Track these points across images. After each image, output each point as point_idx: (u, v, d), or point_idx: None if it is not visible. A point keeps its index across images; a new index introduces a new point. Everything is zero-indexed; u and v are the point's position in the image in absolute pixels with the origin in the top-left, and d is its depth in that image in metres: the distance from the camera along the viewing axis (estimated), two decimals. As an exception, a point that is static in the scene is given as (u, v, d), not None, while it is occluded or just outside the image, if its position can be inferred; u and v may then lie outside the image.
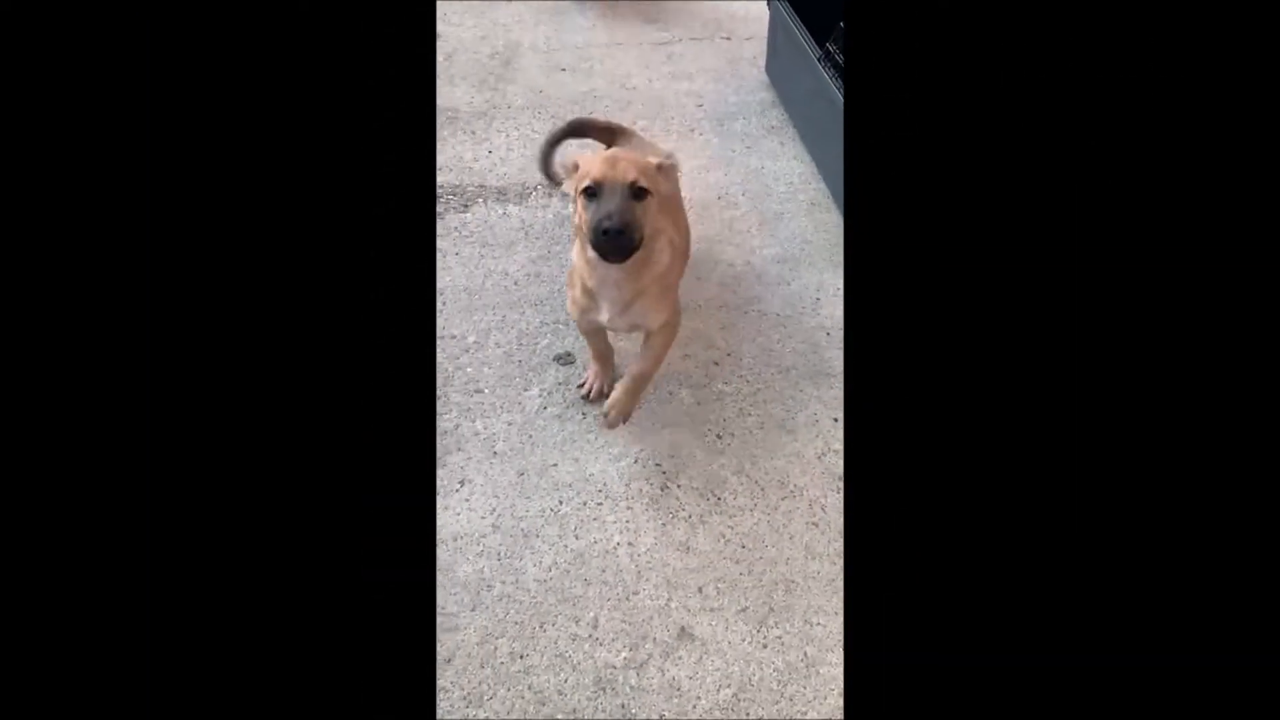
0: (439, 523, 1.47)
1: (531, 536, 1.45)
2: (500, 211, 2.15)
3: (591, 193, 1.28)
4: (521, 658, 1.30)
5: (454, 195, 2.18)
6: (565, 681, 1.27)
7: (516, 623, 1.33)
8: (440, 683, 1.27)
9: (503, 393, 1.70)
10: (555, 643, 1.31)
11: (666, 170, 1.37)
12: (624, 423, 1.60)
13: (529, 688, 1.27)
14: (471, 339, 1.81)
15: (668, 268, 1.45)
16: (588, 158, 1.34)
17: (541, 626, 1.33)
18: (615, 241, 1.24)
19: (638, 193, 1.28)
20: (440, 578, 1.39)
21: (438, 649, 1.30)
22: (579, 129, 1.79)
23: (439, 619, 1.33)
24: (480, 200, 2.18)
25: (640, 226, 1.28)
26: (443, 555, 1.42)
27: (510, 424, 1.64)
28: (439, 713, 1.23)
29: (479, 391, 1.70)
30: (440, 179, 2.22)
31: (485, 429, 1.62)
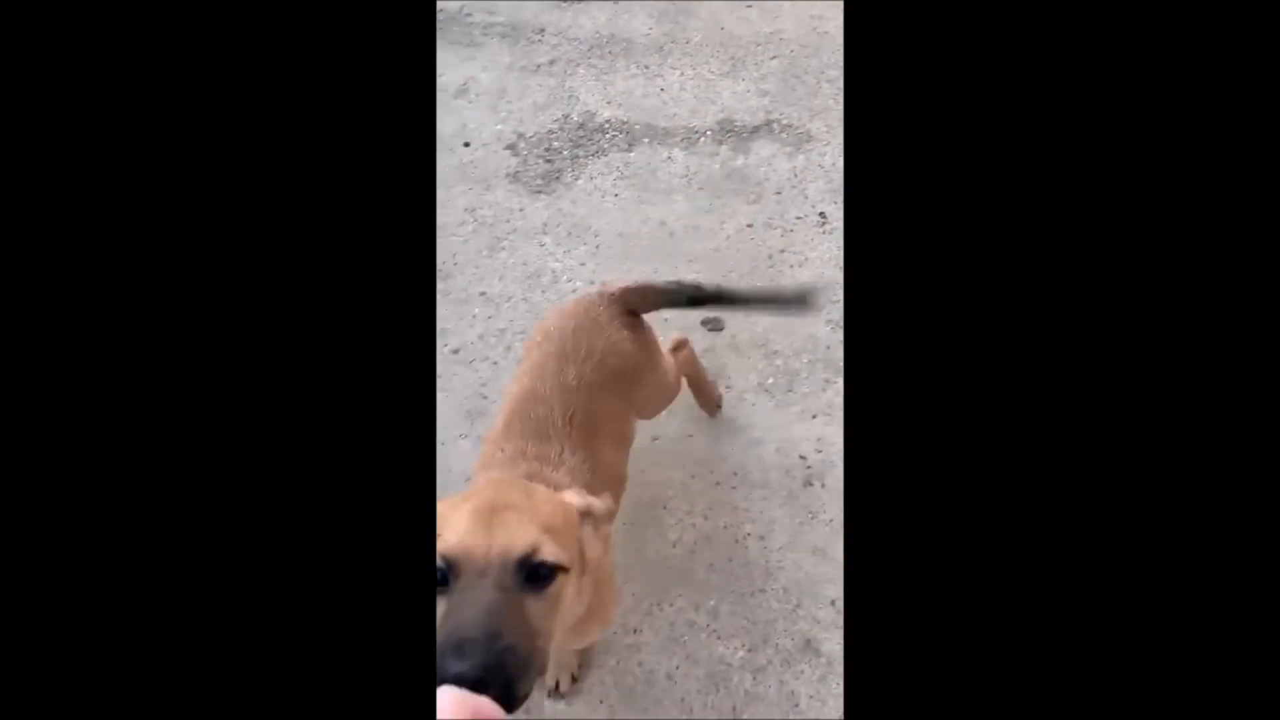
0: (566, 473, 1.43)
1: (658, 507, 1.38)
2: (665, 155, 2.02)
3: (442, 577, 0.69)
4: (635, 631, 1.25)
5: (620, 133, 2.08)
6: (677, 667, 1.21)
7: (633, 594, 1.28)
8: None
9: (646, 350, 1.62)
10: (671, 624, 1.25)
11: (597, 518, 0.81)
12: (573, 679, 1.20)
13: (638, 664, 1.22)
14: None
15: (594, 611, 0.88)
16: (448, 503, 0.74)
17: (659, 604, 1.27)
18: (479, 688, 0.56)
19: (535, 575, 0.69)
20: (562, 530, 1.36)
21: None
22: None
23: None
24: (645, 141, 2.06)
25: (532, 647, 0.67)
26: (567, 508, 1.39)
27: (650, 384, 1.56)
28: (546, 673, 1.21)
29: (622, 344, 1.63)
30: (608, 113, 2.12)
31: (624, 385, 1.55)
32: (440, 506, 0.73)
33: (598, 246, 1.82)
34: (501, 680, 0.61)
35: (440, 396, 1.56)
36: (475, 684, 0.58)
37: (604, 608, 0.92)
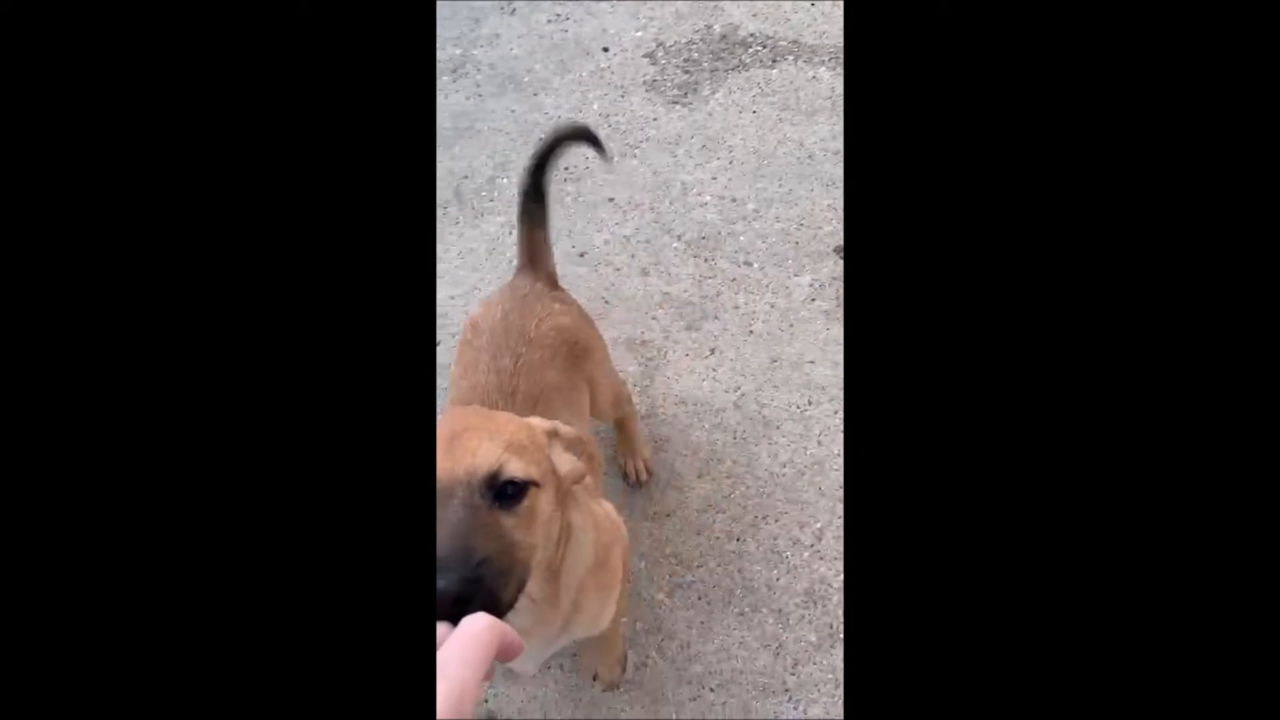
0: (680, 385, 1.43)
1: (772, 428, 1.37)
2: (810, 74, 1.92)
3: None
4: (737, 540, 1.26)
5: (763, 48, 1.98)
6: (777, 579, 1.22)
7: (740, 505, 1.29)
8: (658, 534, 1.28)
9: (772, 272, 1.58)
10: (775, 539, 1.26)
11: (568, 438, 0.77)
12: (622, 674, 1.18)
13: (739, 570, 1.24)
14: (751, 206, 1.69)
15: (599, 559, 0.87)
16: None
17: (764, 518, 1.28)
18: (461, 603, 0.60)
19: (504, 493, 0.67)
20: (673, 435, 1.38)
21: (663, 505, 1.31)
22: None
23: (666, 475, 1.33)
24: (790, 57, 1.96)
25: (511, 558, 0.66)
26: (681, 415, 1.40)
27: (773, 306, 1.52)
28: (645, 561, 1.25)
29: (747, 264, 1.59)
30: (753, 26, 2.02)
31: (746, 305, 1.53)
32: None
33: (730, 162, 1.77)
34: (483, 592, 0.60)
35: (564, 295, 1.59)
36: (457, 599, 0.58)
37: (611, 559, 0.91)
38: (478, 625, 0.42)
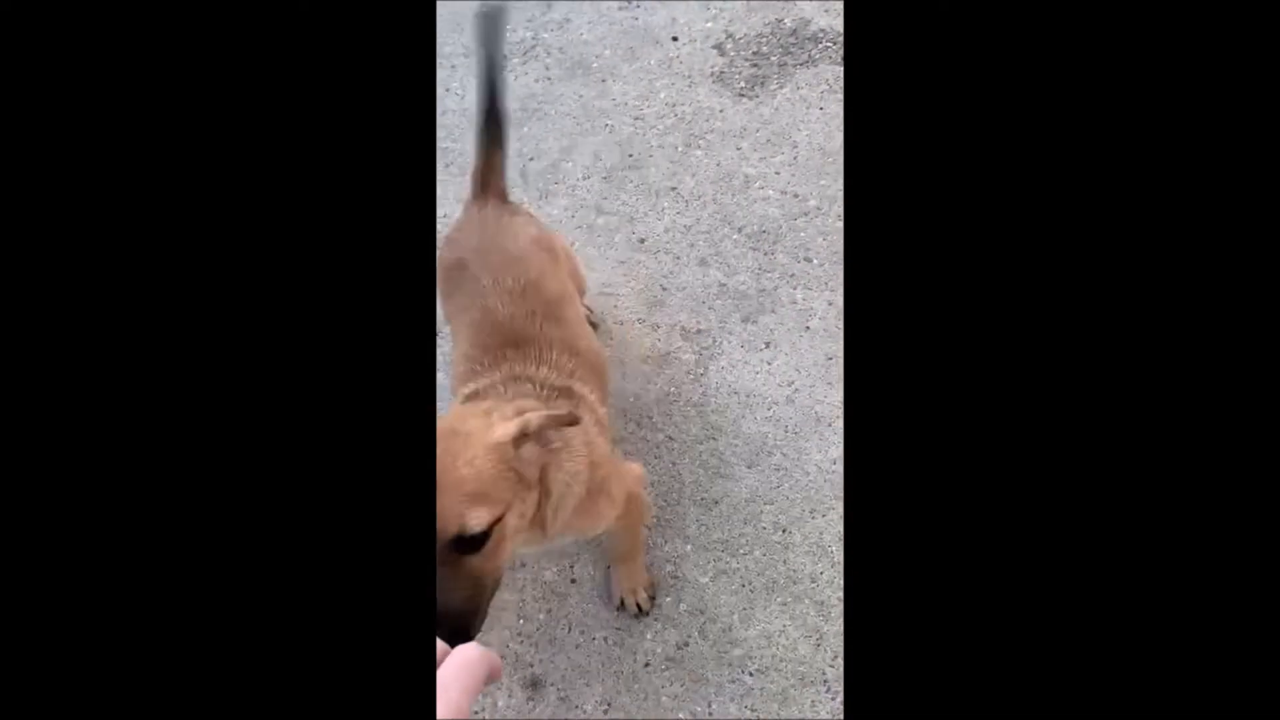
0: (733, 375, 1.45)
1: (824, 424, 1.38)
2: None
3: None
4: (784, 531, 1.28)
5: (834, 44, 1.97)
6: (821, 573, 1.24)
7: (788, 498, 1.31)
8: (705, 520, 1.31)
9: (831, 270, 1.58)
10: (821, 534, 1.27)
11: (537, 433, 0.79)
12: (649, 597, 1.23)
13: (784, 561, 1.26)
14: (813, 203, 1.69)
15: (592, 491, 0.94)
16: None
17: (812, 513, 1.29)
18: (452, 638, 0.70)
19: (470, 544, 0.74)
20: (724, 425, 1.40)
21: (711, 492, 1.33)
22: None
23: (716, 464, 1.35)
24: (860, 55, 1.94)
25: (479, 591, 0.76)
26: (733, 406, 1.42)
27: (831, 304, 1.53)
28: (691, 545, 1.28)
29: (807, 260, 1.60)
30: (825, 22, 2.01)
31: (803, 300, 1.54)
32: None
33: (795, 158, 1.77)
34: (458, 630, 0.75)
35: (623, 283, 1.62)
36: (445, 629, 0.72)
37: (606, 489, 0.96)
38: (471, 655, 0.46)
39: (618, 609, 1.23)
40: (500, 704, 1.16)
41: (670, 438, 1.40)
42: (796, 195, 1.70)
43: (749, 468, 1.35)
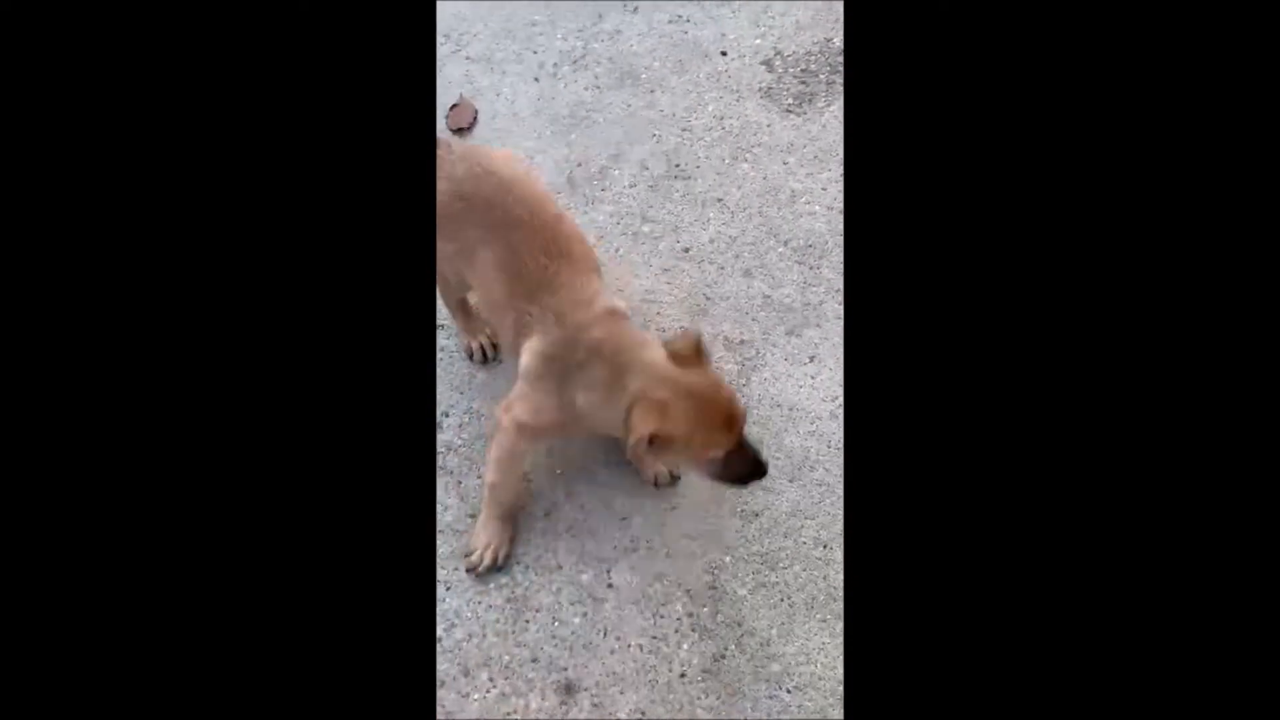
0: (776, 388, 1.44)
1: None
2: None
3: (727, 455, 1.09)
4: (825, 547, 1.26)
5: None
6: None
7: (830, 514, 1.29)
8: (745, 531, 1.29)
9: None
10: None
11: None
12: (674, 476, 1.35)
13: (824, 577, 1.24)
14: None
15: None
16: (657, 402, 1.04)
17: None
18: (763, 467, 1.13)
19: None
20: (766, 438, 1.38)
21: (751, 504, 1.32)
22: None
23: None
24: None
25: None
26: (776, 418, 1.41)
27: (876, 321, 1.52)
28: (730, 556, 1.27)
29: (853, 276, 1.59)
30: (874, 41, 2.01)
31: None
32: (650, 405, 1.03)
33: (841, 175, 1.76)
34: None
35: (667, 291, 1.62)
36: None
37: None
38: None
39: (651, 484, 1.33)
40: (533, 706, 1.15)
41: (710, 447, 1.39)
42: (843, 212, 1.70)
43: (790, 481, 1.33)
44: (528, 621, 1.22)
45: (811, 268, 1.61)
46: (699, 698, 1.16)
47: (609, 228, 1.74)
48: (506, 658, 1.17)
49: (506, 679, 1.16)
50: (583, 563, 1.28)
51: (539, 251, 1.14)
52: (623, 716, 1.15)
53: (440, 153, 1.22)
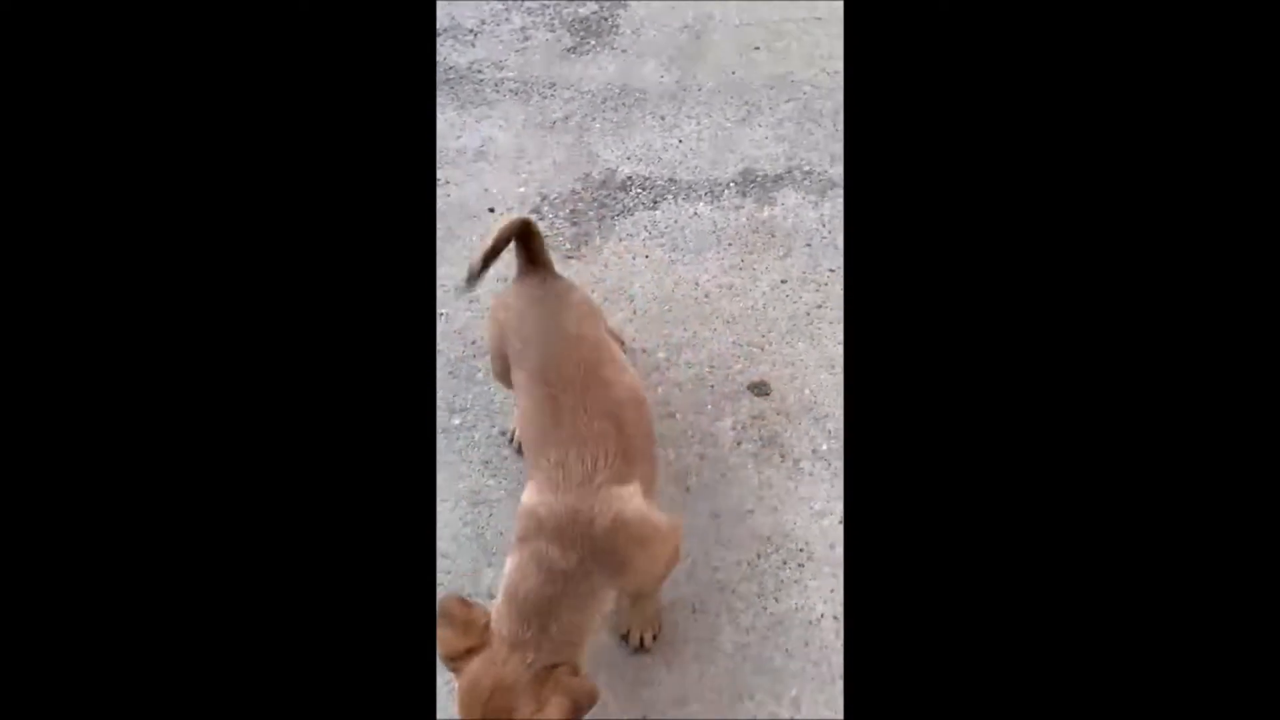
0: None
1: (728, 591, 1.37)
2: (690, 211, 2.02)
3: None
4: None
5: (643, 189, 2.07)
6: (765, 764, 1.20)
7: (714, 689, 1.26)
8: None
9: (694, 419, 1.61)
10: (755, 718, 1.24)
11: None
12: (653, 637, 1.31)
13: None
14: (661, 355, 1.72)
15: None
16: None
17: (739, 698, 1.26)
18: None
19: None
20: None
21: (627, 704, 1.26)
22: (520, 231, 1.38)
23: (634, 671, 1.28)
24: (670, 196, 2.05)
25: None
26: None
27: (702, 457, 1.55)
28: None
29: (670, 416, 1.61)
30: (629, 169, 2.11)
31: (678, 459, 1.54)
32: None
33: (634, 311, 1.81)
34: None
35: (497, 472, 1.54)
36: None
37: (648, 553, 1.11)
38: None
39: (621, 638, 1.30)
40: None
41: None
42: (645, 351, 1.73)
43: (667, 668, 1.29)
44: None
45: (629, 420, 1.61)
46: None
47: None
48: None
49: None
50: None
51: (581, 411, 1.14)
52: None
53: (536, 278, 1.34)
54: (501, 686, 0.90)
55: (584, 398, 1.15)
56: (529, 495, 1.11)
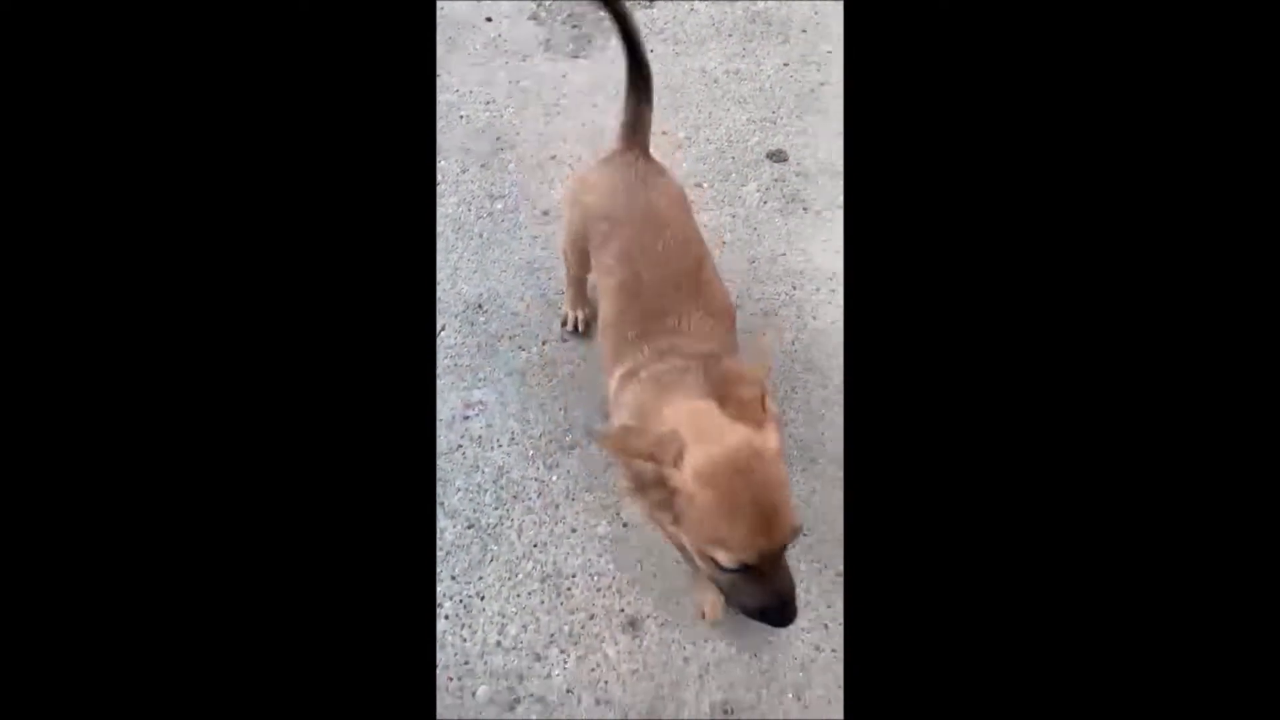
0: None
1: (771, 315, 1.55)
2: (688, 8, 2.07)
3: (745, 570, 0.84)
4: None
5: (639, -12, 2.10)
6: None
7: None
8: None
9: (721, 186, 1.74)
10: (808, 403, 1.45)
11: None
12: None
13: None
14: (682, 134, 1.83)
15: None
16: (703, 500, 0.81)
17: (793, 390, 1.46)
18: (789, 614, 0.88)
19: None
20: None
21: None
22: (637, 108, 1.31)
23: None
24: (664, -5, 2.09)
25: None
26: (692, 328, 1.54)
27: (734, 216, 1.69)
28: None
29: (699, 186, 1.74)
30: (621, -28, 2.12)
31: (712, 221, 1.68)
32: (691, 468, 0.81)
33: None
34: (794, 613, 0.89)
35: (545, 257, 1.66)
36: (791, 608, 0.87)
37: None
38: None
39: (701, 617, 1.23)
40: (610, 654, 1.22)
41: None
42: (665, 134, 1.83)
43: (728, 374, 1.48)
44: (571, 585, 1.27)
45: (662, 190, 1.73)
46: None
47: (463, 217, 1.72)
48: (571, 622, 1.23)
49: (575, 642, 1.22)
50: (593, 515, 1.35)
51: (669, 289, 1.07)
52: (689, 622, 1.26)
53: (628, 158, 1.24)
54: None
55: (689, 287, 1.08)
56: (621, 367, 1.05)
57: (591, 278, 1.33)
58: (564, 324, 1.52)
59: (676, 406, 0.90)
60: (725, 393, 0.87)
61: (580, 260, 1.29)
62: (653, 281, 1.09)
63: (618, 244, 1.13)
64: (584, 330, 1.52)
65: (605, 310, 1.14)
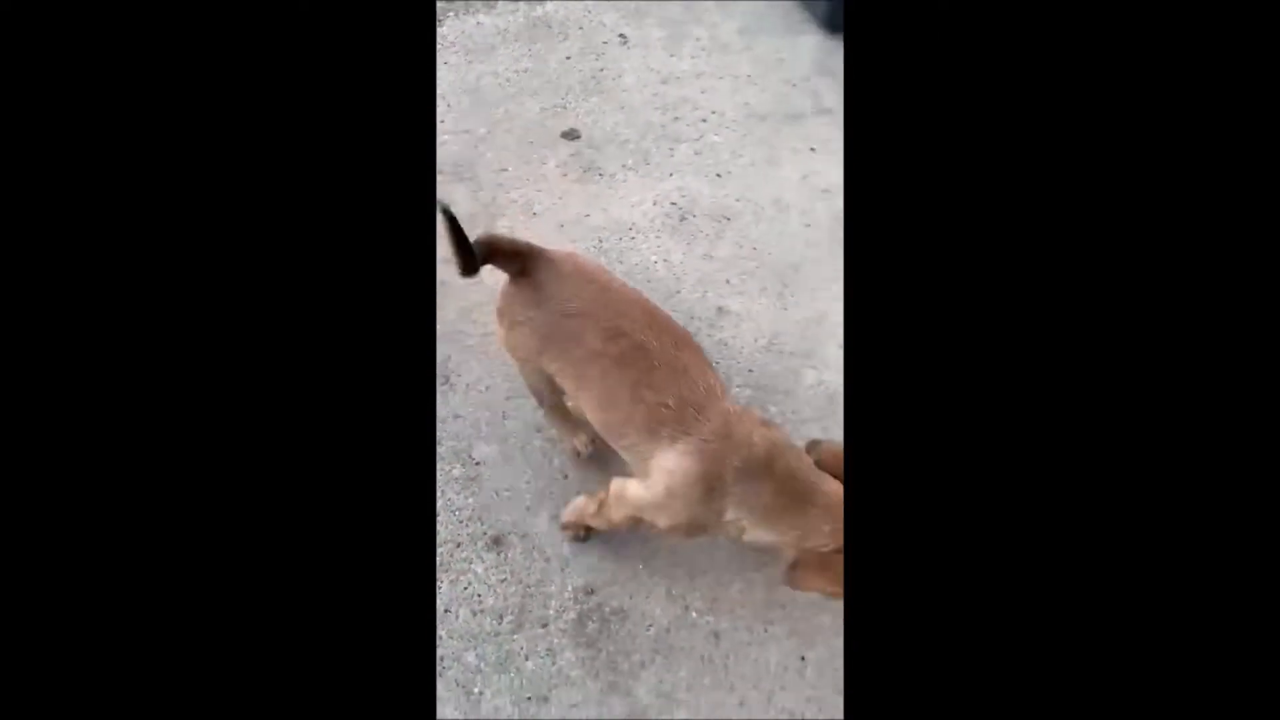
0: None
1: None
2: (475, 21, 2.27)
3: None
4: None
5: (425, 11, 2.27)
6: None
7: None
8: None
9: (526, 168, 1.94)
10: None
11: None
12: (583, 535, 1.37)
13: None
14: (483, 130, 2.01)
15: None
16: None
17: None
18: None
19: None
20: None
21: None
22: (484, 249, 1.15)
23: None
24: (450, 14, 2.28)
25: None
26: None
27: (541, 190, 1.89)
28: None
29: (504, 170, 1.93)
30: (407, -3, 2.29)
31: (521, 198, 1.87)
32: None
33: (449, 105, 2.06)
34: None
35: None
36: None
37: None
38: None
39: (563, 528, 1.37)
40: (480, 571, 1.36)
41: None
42: (467, 131, 2.01)
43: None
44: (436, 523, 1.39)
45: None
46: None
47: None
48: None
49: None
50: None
51: (667, 358, 1.10)
52: (545, 526, 1.42)
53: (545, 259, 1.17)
54: None
55: (663, 337, 1.12)
56: (681, 453, 1.06)
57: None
58: (575, 455, 1.44)
59: (814, 508, 1.05)
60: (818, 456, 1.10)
61: (550, 389, 1.26)
62: (638, 346, 1.10)
63: (583, 337, 1.11)
64: (592, 452, 1.43)
65: (605, 404, 1.12)
